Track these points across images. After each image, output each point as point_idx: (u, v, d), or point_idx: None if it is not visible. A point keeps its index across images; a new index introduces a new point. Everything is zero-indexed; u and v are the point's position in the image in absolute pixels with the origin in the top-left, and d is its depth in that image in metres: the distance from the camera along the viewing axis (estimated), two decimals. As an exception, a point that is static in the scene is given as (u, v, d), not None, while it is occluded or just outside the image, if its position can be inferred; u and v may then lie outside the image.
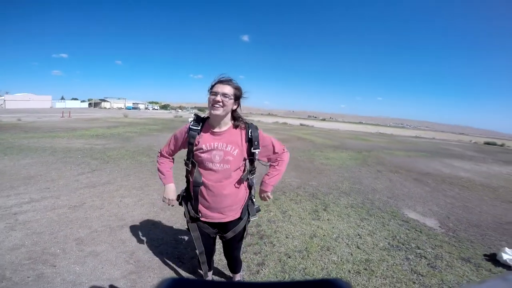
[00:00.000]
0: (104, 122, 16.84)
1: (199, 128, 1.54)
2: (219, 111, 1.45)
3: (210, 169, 1.52)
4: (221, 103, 1.43)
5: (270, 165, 1.75)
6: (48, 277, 2.03)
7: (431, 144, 20.99)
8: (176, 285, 0.31)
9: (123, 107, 73.54)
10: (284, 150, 1.73)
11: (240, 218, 1.67)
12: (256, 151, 1.56)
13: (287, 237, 2.97)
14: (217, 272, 2.27)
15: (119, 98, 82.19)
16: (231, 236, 1.70)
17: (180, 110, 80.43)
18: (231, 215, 1.63)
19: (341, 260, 2.60)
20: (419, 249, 2.95)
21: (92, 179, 4.52)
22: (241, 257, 2.04)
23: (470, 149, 18.19)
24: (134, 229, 2.91)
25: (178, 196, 1.76)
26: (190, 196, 1.64)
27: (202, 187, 1.55)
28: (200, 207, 1.60)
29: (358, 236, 3.15)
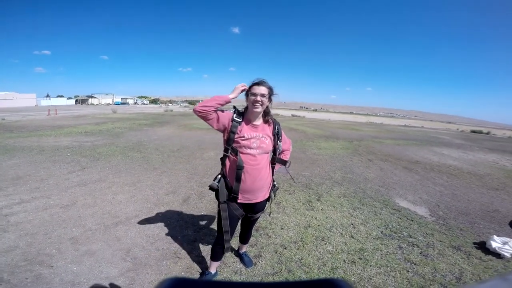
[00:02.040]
0: (92, 119, 16.47)
1: (240, 120, 1.77)
2: (259, 109, 1.72)
3: (249, 154, 1.75)
4: (260, 102, 1.70)
5: (281, 153, 2.01)
6: (46, 278, 2.03)
7: (420, 132, 21.46)
8: (177, 285, 0.31)
9: (111, 102, 71.97)
10: (291, 142, 2.15)
11: (267, 199, 1.96)
12: (280, 143, 1.90)
13: (282, 228, 3.02)
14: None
15: (107, 94, 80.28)
16: (259, 215, 2.03)
17: (170, 104, 79.32)
18: (262, 196, 1.88)
19: (336, 250, 2.66)
20: (411, 237, 3.03)
21: (82, 177, 4.46)
22: None
23: (457, 137, 18.69)
24: (128, 226, 2.90)
25: (212, 184, 1.83)
26: (226, 180, 1.82)
27: (243, 171, 1.75)
28: (240, 188, 1.80)
29: (351, 225, 3.22)
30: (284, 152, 2.05)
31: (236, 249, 2.52)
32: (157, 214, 3.25)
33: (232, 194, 1.81)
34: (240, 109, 1.87)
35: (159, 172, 4.97)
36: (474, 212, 4.01)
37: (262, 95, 1.70)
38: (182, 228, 2.96)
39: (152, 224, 2.98)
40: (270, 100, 1.79)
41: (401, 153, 9.08)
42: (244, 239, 2.35)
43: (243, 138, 1.74)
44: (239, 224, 2.06)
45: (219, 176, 1.84)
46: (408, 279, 2.28)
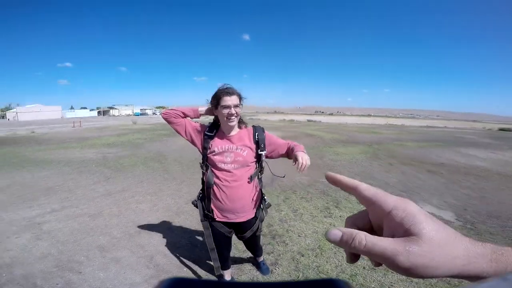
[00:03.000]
0: (114, 130, 17.18)
1: (212, 134, 1.65)
2: (234, 122, 1.59)
3: (223, 169, 1.61)
4: (235, 115, 1.55)
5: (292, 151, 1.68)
6: (75, 284, 2.15)
7: (444, 133, 20.60)
8: (176, 285, 0.34)
9: (131, 113, 74.68)
10: (287, 143, 1.78)
11: (255, 217, 1.76)
12: (263, 153, 1.65)
13: (299, 236, 3.01)
14: (238, 257, 2.34)
15: (127, 105, 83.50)
16: (250, 235, 1.82)
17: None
18: (245, 216, 1.70)
19: (355, 257, 2.61)
20: None
21: (107, 187, 4.67)
22: (260, 244, 2.25)
23: (485, 136, 17.76)
24: (151, 234, 3.01)
25: (193, 201, 1.84)
26: (205, 197, 1.72)
27: (215, 187, 1.63)
28: (214, 206, 1.68)
29: (372, 232, 3.15)
30: (293, 147, 1.68)
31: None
32: (178, 222, 3.34)
33: (206, 212, 1.71)
34: (207, 123, 1.75)
35: (178, 182, 5.10)
36: (505, 215, 3.80)
37: (236, 106, 1.54)
38: (202, 236, 3.02)
39: (173, 232, 3.08)
40: (241, 106, 1.62)
41: (424, 155, 8.76)
42: (253, 253, 2.27)
43: (214, 153, 1.61)
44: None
45: (200, 193, 1.78)
46: (432, 285, 2.21)
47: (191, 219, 3.42)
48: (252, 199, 1.70)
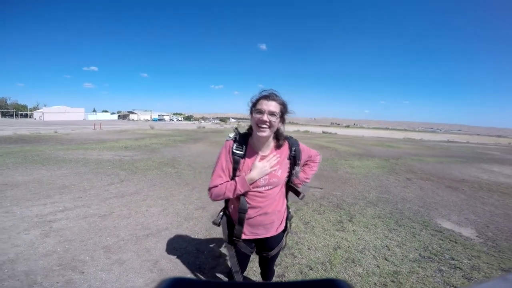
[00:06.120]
0: (132, 134, 17.64)
1: (242, 152, 1.40)
2: (266, 133, 1.32)
3: (257, 192, 1.41)
4: (268, 123, 1.30)
5: (305, 165, 1.64)
6: (75, 283, 2.12)
7: (466, 148, 19.75)
8: (176, 285, 0.31)
9: (149, 118, 76.83)
10: (318, 153, 1.71)
11: (283, 231, 1.60)
12: (297, 167, 1.48)
13: (309, 249, 2.89)
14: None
15: (145, 110, 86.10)
16: (276, 252, 1.63)
17: (202, 121, 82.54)
18: (273, 230, 1.53)
19: (366, 272, 2.48)
20: (453, 260, 2.77)
21: (120, 189, 4.72)
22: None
23: (510, 153, 16.84)
24: (158, 238, 2.98)
25: (215, 220, 1.59)
26: (230, 219, 1.52)
27: (248, 212, 1.43)
28: (244, 228, 1.48)
29: (386, 247, 2.99)
30: (308, 164, 1.65)
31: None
32: (186, 228, 3.29)
33: (234, 238, 1.48)
34: (242, 130, 1.50)
35: (190, 188, 5.09)
36: (531, 234, 3.53)
37: (271, 114, 1.29)
38: (209, 243, 2.96)
39: (180, 238, 3.03)
40: (282, 120, 1.40)
41: (444, 171, 8.37)
42: (265, 276, 1.91)
43: None
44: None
45: (221, 213, 1.56)
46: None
47: (200, 226, 3.37)
48: (282, 213, 1.55)
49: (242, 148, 1.40)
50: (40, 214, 3.41)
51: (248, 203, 1.41)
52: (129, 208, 3.84)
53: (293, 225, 3.48)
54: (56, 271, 2.26)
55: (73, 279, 2.17)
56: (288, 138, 1.50)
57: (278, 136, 1.44)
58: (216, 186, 1.38)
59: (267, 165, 1.39)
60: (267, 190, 1.42)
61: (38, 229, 3.00)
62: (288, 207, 1.65)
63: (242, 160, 1.39)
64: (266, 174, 1.39)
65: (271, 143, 1.44)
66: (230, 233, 1.51)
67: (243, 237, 1.48)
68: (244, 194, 1.40)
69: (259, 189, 1.40)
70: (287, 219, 1.63)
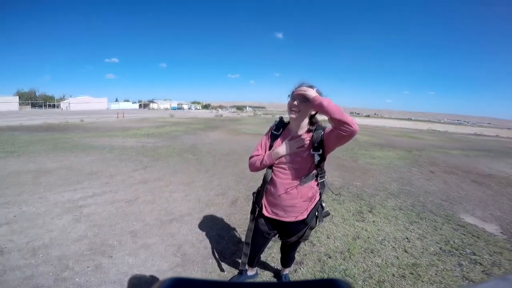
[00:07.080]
0: (153, 122, 18.09)
1: (279, 133, 1.65)
2: (294, 115, 1.50)
3: (280, 168, 1.60)
4: (297, 107, 1.48)
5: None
6: (104, 268, 2.22)
7: (495, 142, 18.53)
8: (177, 285, 0.31)
9: (169, 107, 78.20)
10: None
11: (304, 222, 1.65)
12: (316, 153, 1.50)
13: (328, 238, 2.87)
14: (263, 265, 2.28)
15: (165, 99, 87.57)
16: (295, 240, 1.74)
17: (220, 110, 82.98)
18: (294, 216, 1.62)
19: (385, 263, 2.45)
20: (474, 255, 2.67)
21: (144, 175, 4.88)
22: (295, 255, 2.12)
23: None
24: (181, 223, 3.06)
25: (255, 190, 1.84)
26: (259, 191, 1.76)
27: (271, 185, 1.64)
28: (266, 201, 1.70)
29: (406, 239, 2.93)
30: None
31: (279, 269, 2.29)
32: (208, 213, 3.36)
33: (256, 207, 1.74)
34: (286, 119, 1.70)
35: (210, 174, 5.17)
36: None
37: (301, 100, 1.45)
38: (229, 229, 3.01)
39: (202, 223, 3.10)
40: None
41: (470, 165, 7.93)
42: (285, 263, 2.12)
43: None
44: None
45: (259, 187, 1.77)
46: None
47: (221, 212, 3.43)
48: (305, 200, 1.60)
49: (279, 131, 1.66)
50: (71, 199, 3.59)
51: (273, 176, 1.62)
52: (153, 193, 3.97)
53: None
54: (86, 255, 2.37)
55: (102, 263, 2.27)
56: (320, 124, 1.58)
57: (312, 123, 1.58)
58: (252, 157, 1.69)
59: (294, 144, 1.55)
60: (291, 168, 1.57)
61: (70, 214, 3.16)
62: (322, 204, 1.71)
63: (276, 140, 1.64)
64: (293, 153, 1.55)
65: (305, 127, 1.57)
66: (255, 203, 1.77)
67: (265, 214, 1.69)
68: (271, 168, 1.62)
69: (283, 165, 1.59)
70: (316, 214, 1.67)
